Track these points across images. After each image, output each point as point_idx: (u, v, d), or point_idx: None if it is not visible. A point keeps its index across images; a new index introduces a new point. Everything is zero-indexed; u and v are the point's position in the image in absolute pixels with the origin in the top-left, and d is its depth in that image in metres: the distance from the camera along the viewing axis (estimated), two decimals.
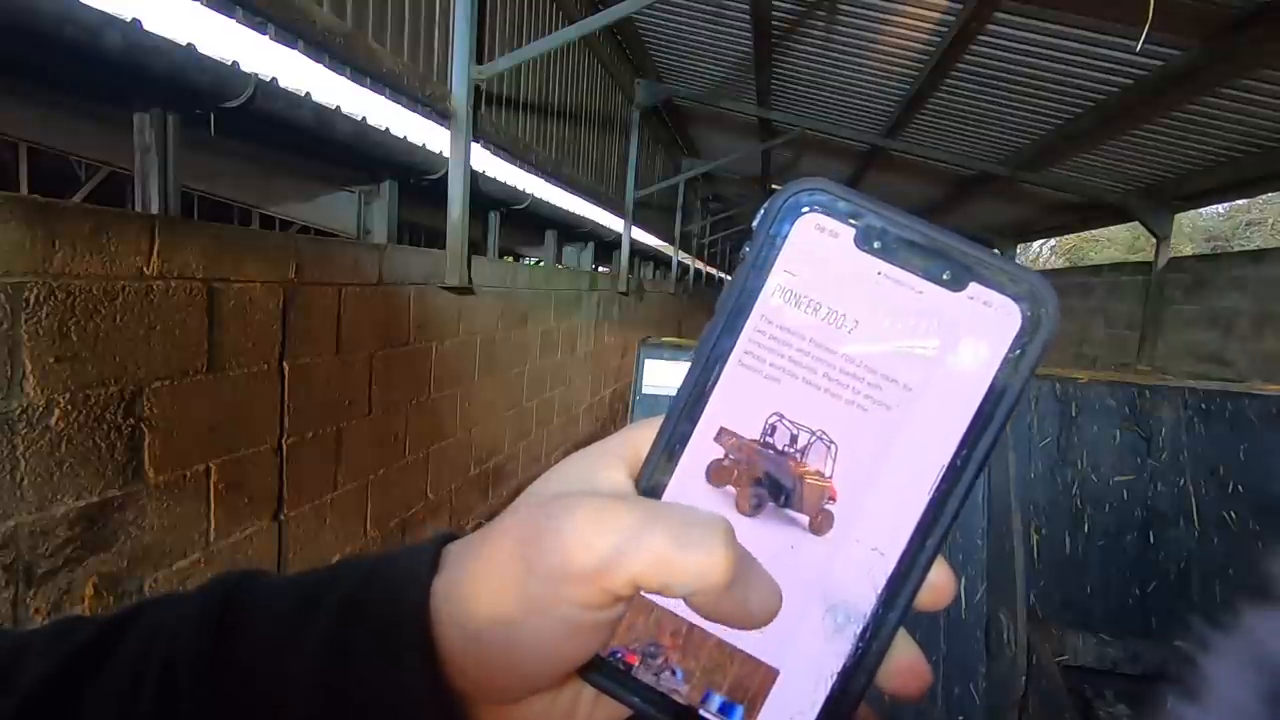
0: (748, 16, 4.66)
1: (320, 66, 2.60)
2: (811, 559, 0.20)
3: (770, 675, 0.20)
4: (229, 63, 2.05)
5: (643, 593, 0.20)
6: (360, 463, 2.58)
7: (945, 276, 0.19)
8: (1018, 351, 0.19)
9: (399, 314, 2.79)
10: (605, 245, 6.56)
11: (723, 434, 0.21)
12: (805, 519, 0.20)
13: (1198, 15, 3.11)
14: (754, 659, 0.20)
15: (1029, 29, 3.73)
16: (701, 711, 0.21)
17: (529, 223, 4.80)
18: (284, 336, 2.10)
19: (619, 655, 0.21)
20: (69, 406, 1.44)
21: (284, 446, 2.13)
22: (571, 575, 0.20)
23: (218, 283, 1.82)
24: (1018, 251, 9.43)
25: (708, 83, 6.43)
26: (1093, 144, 4.96)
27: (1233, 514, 1.38)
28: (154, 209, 1.87)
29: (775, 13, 4.46)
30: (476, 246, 3.61)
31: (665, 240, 9.66)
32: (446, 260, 3.13)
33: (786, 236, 0.20)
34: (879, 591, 0.20)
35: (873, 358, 0.19)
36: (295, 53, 2.47)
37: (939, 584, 0.20)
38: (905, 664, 0.21)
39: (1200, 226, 20.37)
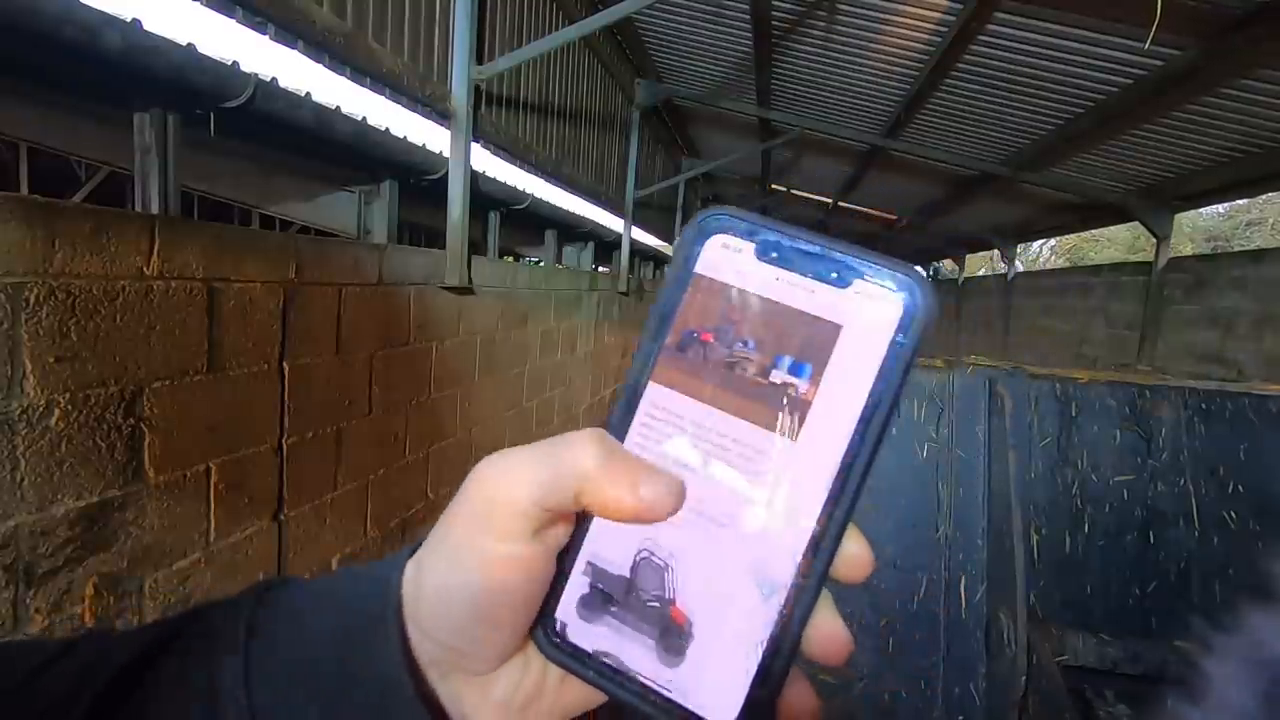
0: (748, 16, 4.66)
1: (320, 66, 2.60)
2: (733, 539, 0.22)
3: (690, 633, 0.22)
4: (229, 63, 2.05)
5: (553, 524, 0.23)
6: (360, 463, 2.58)
7: (833, 276, 0.22)
8: (900, 336, 0.21)
9: (399, 314, 2.79)
10: (605, 245, 6.56)
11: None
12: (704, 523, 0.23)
13: (1198, 15, 3.11)
14: (680, 609, 0.22)
15: (1029, 29, 3.73)
16: (644, 679, 0.22)
17: (529, 223, 4.80)
18: (284, 336, 2.10)
19: (566, 626, 0.24)
20: (69, 406, 1.44)
21: (284, 446, 2.13)
22: (493, 508, 0.22)
23: (218, 283, 1.82)
24: (1018, 251, 9.43)
25: (708, 83, 6.43)
26: (1093, 144, 4.96)
27: (1233, 514, 1.38)
28: (154, 209, 1.87)
29: (775, 13, 4.46)
30: (476, 246, 3.61)
31: (665, 240, 9.66)
32: (446, 260, 3.13)
33: (699, 255, 0.23)
34: (797, 562, 0.21)
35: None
36: (295, 53, 2.47)
37: (854, 554, 0.22)
38: (827, 631, 0.22)
39: (1200, 226, 20.36)
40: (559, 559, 0.24)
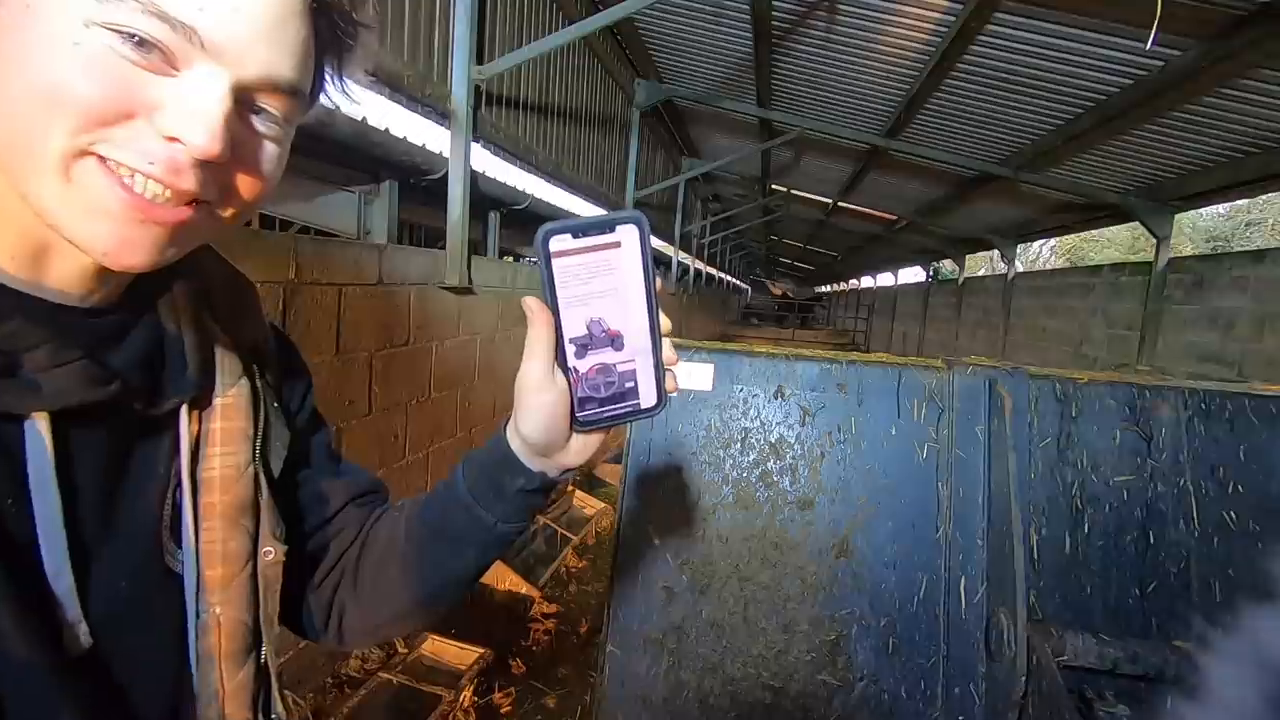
0: (748, 16, 4.66)
1: None
2: (623, 352, 0.48)
3: (634, 372, 0.48)
4: None
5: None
6: (360, 463, 2.57)
7: (605, 229, 0.44)
8: (644, 237, 0.45)
9: (399, 314, 2.79)
10: None
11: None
12: (609, 348, 0.48)
13: (1198, 15, 3.11)
14: (630, 369, 0.48)
15: (1029, 29, 3.73)
16: (622, 406, 0.49)
17: (529, 223, 4.80)
18: None
19: (581, 402, 0.49)
20: None
21: None
22: (526, 381, 0.47)
23: None
24: (1018, 251, 9.43)
25: (708, 83, 6.43)
26: (1093, 144, 4.96)
27: (1233, 514, 1.38)
28: None
29: (775, 13, 4.47)
30: (476, 246, 3.61)
31: (665, 240, 9.66)
32: (446, 260, 3.13)
33: (549, 246, 0.44)
34: (649, 340, 0.47)
35: (605, 264, 0.46)
36: None
37: (666, 323, 0.48)
38: (668, 356, 0.49)
39: (1200, 227, 20.37)
40: (562, 365, 0.47)
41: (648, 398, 0.48)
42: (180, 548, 0.48)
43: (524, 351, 0.47)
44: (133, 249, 0.37)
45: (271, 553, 0.52)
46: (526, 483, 0.52)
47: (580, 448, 0.51)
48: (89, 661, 0.40)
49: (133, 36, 0.34)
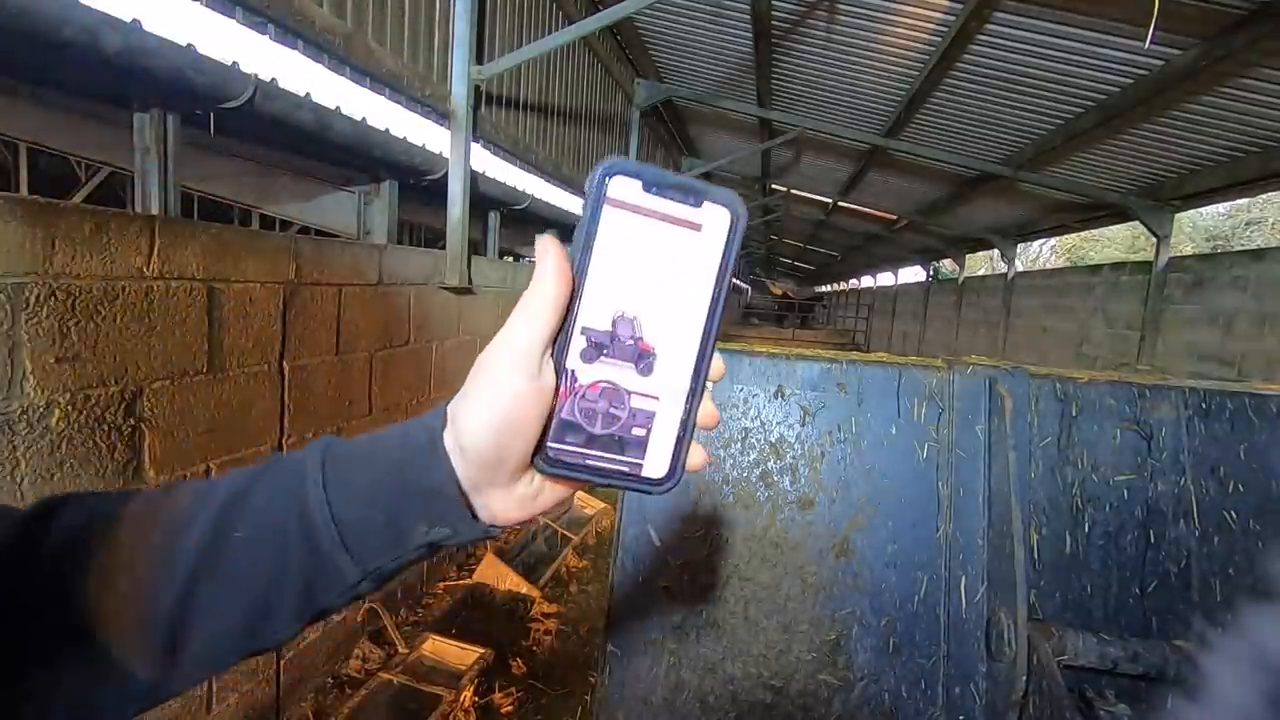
0: (748, 16, 4.66)
1: (320, 67, 2.60)
2: (648, 381, 0.34)
3: (653, 416, 0.34)
4: (229, 63, 2.05)
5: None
6: None
7: (690, 200, 0.32)
8: (733, 234, 0.33)
9: (399, 314, 2.79)
10: None
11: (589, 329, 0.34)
12: (631, 365, 0.33)
13: (1198, 15, 3.11)
14: (648, 409, 0.34)
15: (1029, 29, 3.73)
16: (614, 459, 0.34)
17: (529, 223, 4.80)
18: (284, 336, 2.10)
19: (553, 447, 0.34)
20: (69, 407, 1.44)
21: (284, 447, 2.13)
22: (515, 355, 0.32)
23: (218, 283, 1.82)
24: (1018, 251, 9.43)
25: (708, 83, 6.43)
26: (1093, 144, 4.95)
27: (1233, 513, 1.38)
28: (154, 209, 1.87)
29: (775, 13, 4.46)
30: (476, 246, 3.61)
31: None
32: (446, 260, 3.13)
33: (607, 188, 0.32)
34: (689, 380, 0.34)
35: (671, 247, 0.33)
36: (295, 53, 2.47)
37: (714, 372, 0.34)
38: (707, 412, 0.35)
39: (1200, 226, 20.35)
40: (556, 359, 0.33)
41: (656, 464, 0.34)
42: None
43: (512, 313, 0.32)
44: None
45: None
46: (452, 534, 0.34)
47: (530, 496, 0.35)
48: None
49: None
